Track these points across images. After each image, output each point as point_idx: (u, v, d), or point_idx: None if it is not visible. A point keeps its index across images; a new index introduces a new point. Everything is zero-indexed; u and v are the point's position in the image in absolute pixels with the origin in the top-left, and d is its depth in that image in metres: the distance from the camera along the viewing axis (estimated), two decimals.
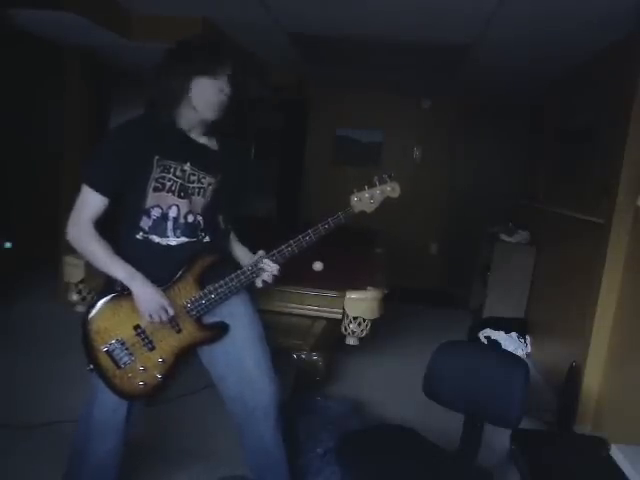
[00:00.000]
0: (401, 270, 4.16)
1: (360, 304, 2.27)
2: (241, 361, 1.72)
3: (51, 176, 4.55)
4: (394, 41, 3.64)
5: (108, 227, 1.60)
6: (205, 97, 1.57)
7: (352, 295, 2.27)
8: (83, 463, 1.72)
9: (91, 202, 1.54)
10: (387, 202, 1.70)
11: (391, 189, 1.69)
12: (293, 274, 2.44)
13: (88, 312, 1.59)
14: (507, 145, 5.44)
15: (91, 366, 1.59)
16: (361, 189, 1.67)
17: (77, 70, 4.21)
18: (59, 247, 3.70)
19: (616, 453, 1.58)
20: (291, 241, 1.65)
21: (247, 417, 1.76)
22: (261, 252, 1.69)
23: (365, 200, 1.67)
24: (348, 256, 3.00)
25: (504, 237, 4.25)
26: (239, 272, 1.65)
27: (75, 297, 2.49)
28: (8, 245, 4.65)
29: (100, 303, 1.59)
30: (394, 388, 3.11)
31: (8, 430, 2.37)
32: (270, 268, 1.66)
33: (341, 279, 2.45)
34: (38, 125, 5.11)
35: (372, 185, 1.68)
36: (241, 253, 1.82)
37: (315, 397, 2.56)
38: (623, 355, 2.53)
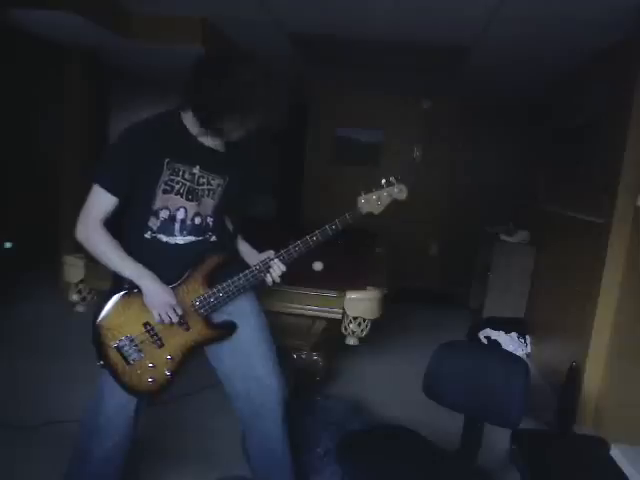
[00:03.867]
0: (401, 270, 4.16)
1: (360, 304, 2.27)
2: (248, 359, 1.73)
3: (51, 176, 4.55)
4: (394, 41, 3.64)
5: (115, 227, 1.61)
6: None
7: (352, 295, 2.27)
8: (86, 463, 1.72)
9: (101, 202, 1.55)
10: (390, 203, 1.70)
11: (398, 191, 1.69)
12: (293, 274, 2.44)
13: (99, 309, 1.60)
14: (507, 145, 5.44)
15: (101, 362, 1.60)
16: (368, 191, 1.68)
17: (77, 70, 4.21)
18: (59, 247, 3.70)
19: (616, 453, 1.59)
20: (298, 241, 1.66)
21: (253, 415, 1.77)
22: (270, 252, 1.69)
23: (372, 202, 1.68)
24: (348, 256, 3.00)
25: (504, 237, 4.25)
26: (247, 271, 1.66)
27: (75, 297, 2.49)
28: (8, 245, 4.66)
29: (111, 300, 1.60)
30: (394, 388, 3.11)
31: (9, 430, 2.37)
32: (278, 268, 1.67)
33: (341, 279, 2.45)
34: (38, 125, 5.11)
35: (379, 187, 1.68)
36: (246, 250, 1.83)
37: (315, 397, 2.56)
38: (623, 355, 2.53)
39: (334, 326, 2.34)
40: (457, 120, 5.46)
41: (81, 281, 2.47)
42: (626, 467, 1.53)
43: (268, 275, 1.68)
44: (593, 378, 2.71)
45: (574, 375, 2.74)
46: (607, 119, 2.96)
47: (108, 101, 4.92)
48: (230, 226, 1.85)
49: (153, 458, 2.24)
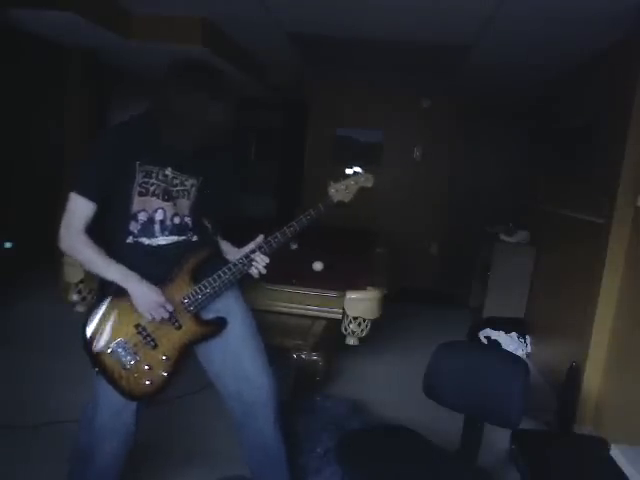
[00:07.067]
0: (401, 270, 4.16)
1: (360, 304, 2.27)
2: (238, 357, 1.75)
3: (51, 176, 4.55)
4: (394, 41, 3.64)
5: (94, 234, 1.60)
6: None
7: (352, 295, 2.27)
8: (87, 466, 1.71)
9: (80, 208, 1.56)
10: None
11: (365, 179, 1.81)
12: (293, 274, 2.44)
13: (88, 317, 1.59)
14: (507, 145, 5.44)
15: (97, 369, 1.59)
16: (337, 180, 1.79)
17: (77, 70, 4.22)
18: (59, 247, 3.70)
19: (616, 453, 1.58)
20: (277, 233, 1.72)
21: (246, 413, 1.78)
22: (260, 237, 1.73)
23: (341, 190, 1.78)
24: (348, 256, 3.00)
25: (504, 237, 4.25)
26: (231, 265, 1.69)
27: (75, 297, 2.49)
28: (8, 245, 4.65)
29: (100, 307, 1.59)
30: (394, 388, 3.11)
31: (8, 430, 2.37)
32: (261, 259, 1.71)
33: (341, 279, 2.45)
34: (38, 125, 5.10)
35: (347, 176, 1.80)
36: (226, 249, 1.86)
37: (315, 397, 2.56)
38: (623, 355, 2.53)
39: (334, 326, 2.34)
40: (457, 120, 5.46)
41: (81, 281, 2.47)
42: (626, 467, 1.52)
43: (253, 268, 1.71)
44: (593, 378, 2.71)
45: (574, 375, 2.74)
46: (607, 119, 2.96)
47: (108, 101, 4.93)
48: (209, 226, 1.86)
49: (153, 458, 2.24)
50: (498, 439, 2.26)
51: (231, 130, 1.66)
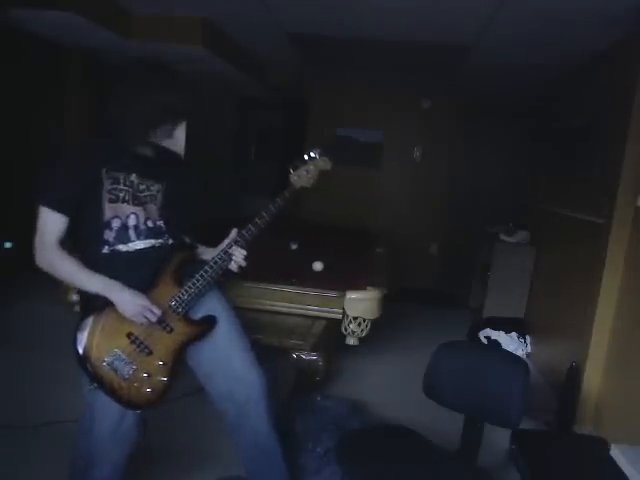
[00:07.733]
0: (401, 270, 4.16)
1: (360, 304, 2.27)
2: (227, 357, 1.75)
3: None
4: (394, 41, 3.64)
5: (67, 246, 1.59)
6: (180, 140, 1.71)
7: (352, 295, 2.27)
8: (88, 475, 1.69)
9: (53, 223, 1.54)
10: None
11: (324, 163, 1.84)
12: (293, 274, 2.44)
13: (76, 335, 1.56)
14: (507, 145, 5.44)
15: (94, 385, 1.57)
16: (297, 167, 1.82)
17: (77, 70, 4.22)
18: None
19: (616, 453, 1.58)
20: (249, 225, 1.74)
21: (239, 413, 1.78)
22: (234, 231, 1.74)
23: (303, 176, 1.81)
24: (348, 256, 3.01)
25: (504, 237, 4.25)
26: (212, 263, 1.70)
27: (75, 297, 2.47)
28: (8, 245, 4.65)
29: (85, 324, 1.57)
30: (394, 388, 3.11)
31: (9, 430, 2.37)
32: (239, 253, 1.72)
33: (341, 279, 2.45)
34: (38, 125, 5.10)
35: (306, 162, 1.83)
36: (200, 249, 1.87)
37: (315, 397, 2.56)
38: (623, 355, 2.53)
39: (334, 326, 2.34)
40: (457, 120, 5.46)
41: None
42: (626, 467, 1.52)
43: (232, 262, 1.72)
44: (593, 378, 2.71)
45: (574, 375, 2.74)
46: (607, 119, 2.96)
47: (108, 101, 4.92)
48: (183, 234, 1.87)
49: (152, 459, 2.24)
50: (498, 439, 2.26)
51: (189, 117, 1.68)
